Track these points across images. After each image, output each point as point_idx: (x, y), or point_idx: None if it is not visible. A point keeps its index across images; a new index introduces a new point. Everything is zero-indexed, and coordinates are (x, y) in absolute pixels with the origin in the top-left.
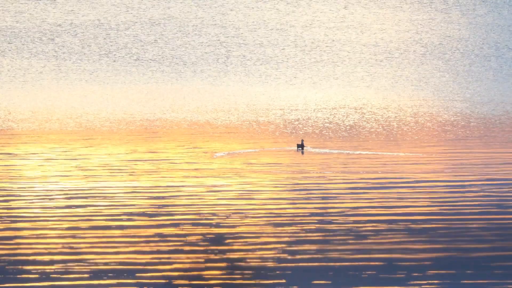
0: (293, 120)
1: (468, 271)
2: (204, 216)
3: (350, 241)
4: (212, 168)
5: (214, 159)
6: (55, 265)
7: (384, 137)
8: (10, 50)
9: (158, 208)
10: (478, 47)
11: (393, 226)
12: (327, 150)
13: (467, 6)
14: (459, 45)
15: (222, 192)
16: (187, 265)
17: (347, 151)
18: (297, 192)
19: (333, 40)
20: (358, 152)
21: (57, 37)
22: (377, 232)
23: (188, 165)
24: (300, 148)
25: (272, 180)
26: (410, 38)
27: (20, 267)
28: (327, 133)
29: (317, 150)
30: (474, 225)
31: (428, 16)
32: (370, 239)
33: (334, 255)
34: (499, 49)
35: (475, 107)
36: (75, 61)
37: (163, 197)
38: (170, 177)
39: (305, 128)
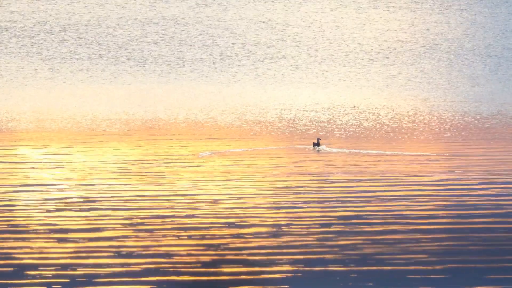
0: (288, 120)
1: (472, 274)
2: (189, 216)
3: (351, 244)
4: (196, 168)
5: (199, 158)
6: (53, 269)
7: (393, 137)
8: (5, 50)
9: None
10: (475, 47)
11: (398, 231)
12: (344, 150)
13: (463, 5)
14: (455, 44)
15: (207, 194)
16: (182, 269)
17: (367, 151)
18: (294, 191)
19: (330, 40)
20: (376, 152)
21: (51, 36)
22: (379, 235)
23: (172, 165)
24: (317, 147)
25: (260, 181)
26: (408, 37)
27: (15, 272)
28: (328, 133)
29: (333, 149)
30: (477, 227)
31: (425, 15)
32: (371, 240)
33: (335, 258)
34: (495, 48)
35: (474, 107)
36: (70, 60)
37: (144, 198)
38: (151, 177)
39: (301, 128)
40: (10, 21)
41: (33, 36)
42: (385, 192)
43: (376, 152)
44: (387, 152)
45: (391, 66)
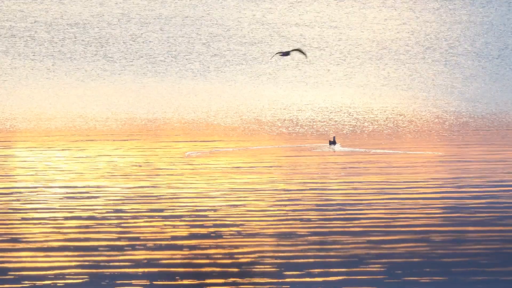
0: (282, 120)
1: (472, 275)
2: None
3: (349, 245)
4: (183, 167)
5: (185, 158)
6: (52, 269)
7: (392, 136)
8: (4, 50)
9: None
10: (472, 46)
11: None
12: (361, 149)
13: (459, 5)
14: (452, 44)
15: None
16: (175, 269)
17: (382, 150)
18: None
19: (327, 39)
20: (391, 151)
21: (48, 35)
22: (378, 236)
23: (159, 165)
24: (333, 145)
25: (250, 180)
26: (406, 37)
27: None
28: (326, 132)
29: (349, 149)
30: (477, 227)
31: (422, 15)
32: (369, 241)
33: (335, 259)
34: (492, 48)
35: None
36: (68, 60)
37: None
38: (136, 177)
39: (300, 128)
40: (6, 20)
41: (30, 36)
42: (386, 194)
43: (385, 151)
44: (398, 152)
45: (387, 66)
